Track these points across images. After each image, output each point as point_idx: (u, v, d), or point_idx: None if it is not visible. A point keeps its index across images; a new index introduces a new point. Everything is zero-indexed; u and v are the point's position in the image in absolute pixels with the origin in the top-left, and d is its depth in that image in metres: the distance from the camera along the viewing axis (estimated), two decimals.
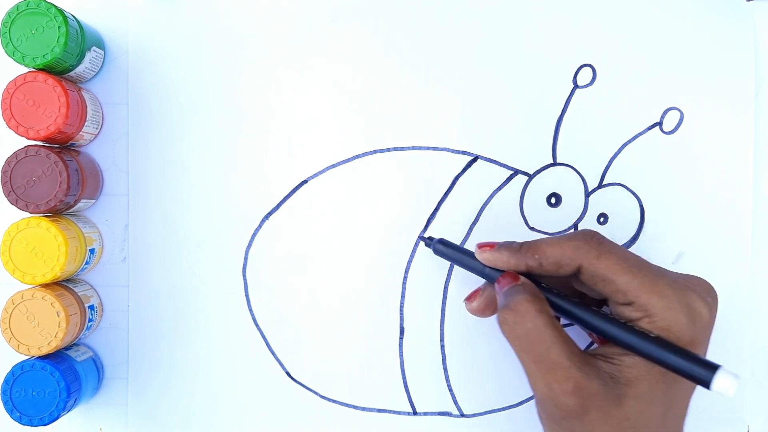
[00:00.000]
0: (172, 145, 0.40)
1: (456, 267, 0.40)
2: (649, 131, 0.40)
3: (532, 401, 0.37)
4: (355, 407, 0.40)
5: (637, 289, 0.30)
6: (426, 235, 0.40)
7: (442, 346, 0.40)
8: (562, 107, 0.40)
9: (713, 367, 0.28)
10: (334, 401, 0.40)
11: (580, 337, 0.39)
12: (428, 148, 0.40)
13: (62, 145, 0.38)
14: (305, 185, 0.40)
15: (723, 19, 0.39)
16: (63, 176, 0.36)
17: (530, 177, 0.40)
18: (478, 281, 0.36)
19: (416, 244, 0.40)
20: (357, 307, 0.40)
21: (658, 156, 0.40)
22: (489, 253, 0.34)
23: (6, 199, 0.36)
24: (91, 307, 0.39)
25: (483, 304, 0.35)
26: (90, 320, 0.38)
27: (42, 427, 0.36)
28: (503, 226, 0.40)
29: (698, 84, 0.40)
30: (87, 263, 0.38)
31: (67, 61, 0.36)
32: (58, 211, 0.37)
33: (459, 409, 0.40)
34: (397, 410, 0.40)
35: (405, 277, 0.40)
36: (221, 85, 0.40)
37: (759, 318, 0.40)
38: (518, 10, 0.40)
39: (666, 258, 0.40)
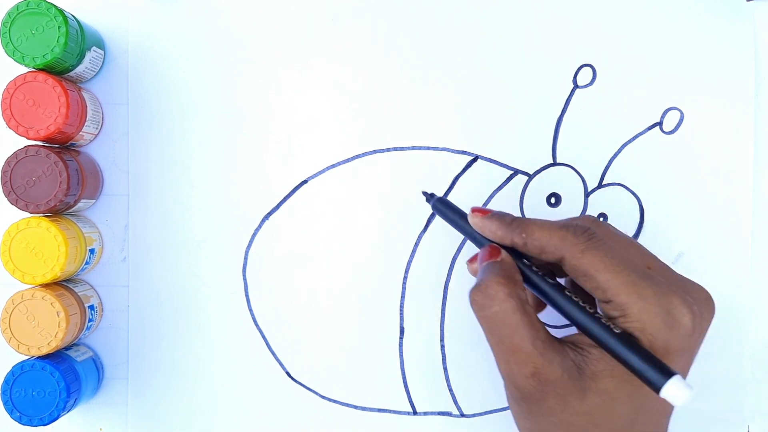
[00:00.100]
0: (172, 145, 0.40)
1: (456, 267, 0.40)
2: (649, 131, 0.40)
3: None
4: (355, 407, 0.40)
5: (617, 288, 0.29)
6: (425, 234, 0.40)
7: (442, 346, 0.40)
8: (562, 107, 0.40)
9: (669, 374, 0.27)
10: (334, 401, 0.40)
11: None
12: (428, 148, 0.40)
13: (62, 145, 0.38)
14: (305, 185, 0.40)
15: (723, 19, 0.39)
16: (63, 176, 0.36)
17: (530, 177, 0.40)
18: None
19: (416, 244, 0.40)
20: (357, 307, 0.40)
21: (658, 156, 0.40)
22: (480, 219, 0.33)
23: (6, 199, 0.36)
24: (91, 307, 0.39)
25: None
26: (90, 320, 0.38)
27: (42, 427, 0.36)
28: None
29: (698, 84, 0.40)
30: (87, 263, 0.38)
31: (67, 61, 0.36)
32: (58, 211, 0.37)
33: (459, 409, 0.40)
34: (397, 410, 0.40)
35: (405, 277, 0.40)
36: (221, 85, 0.40)
37: (759, 318, 0.40)
38: (518, 10, 0.40)
39: (666, 258, 0.40)
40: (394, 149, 0.40)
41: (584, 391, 0.29)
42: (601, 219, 0.40)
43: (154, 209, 0.40)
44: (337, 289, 0.40)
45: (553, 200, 0.40)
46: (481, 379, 0.40)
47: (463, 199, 0.40)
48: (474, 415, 0.40)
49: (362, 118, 0.40)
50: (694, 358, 0.31)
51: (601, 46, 0.40)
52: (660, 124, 0.40)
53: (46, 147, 0.36)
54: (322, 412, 0.40)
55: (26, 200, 0.36)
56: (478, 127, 0.40)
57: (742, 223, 0.40)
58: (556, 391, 0.29)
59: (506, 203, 0.40)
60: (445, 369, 0.40)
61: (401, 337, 0.40)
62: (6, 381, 0.36)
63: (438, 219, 0.40)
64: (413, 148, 0.40)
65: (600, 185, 0.40)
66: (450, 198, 0.40)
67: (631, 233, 0.40)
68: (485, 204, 0.40)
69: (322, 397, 0.40)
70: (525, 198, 0.40)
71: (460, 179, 0.40)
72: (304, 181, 0.40)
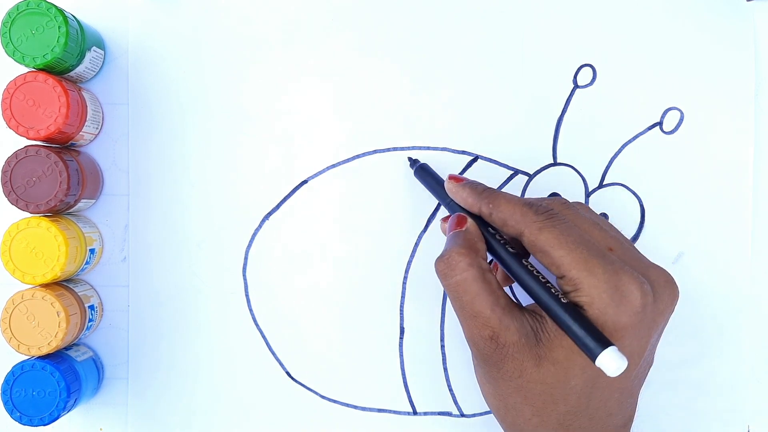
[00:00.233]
0: (172, 145, 0.40)
1: None
2: (649, 131, 0.40)
3: None
4: (355, 407, 0.40)
5: (569, 264, 0.30)
6: (425, 234, 0.40)
7: (442, 346, 0.40)
8: (562, 107, 0.40)
9: (606, 344, 0.28)
10: (334, 401, 0.40)
11: None
12: (428, 148, 0.40)
13: (62, 145, 0.38)
14: (305, 185, 0.40)
15: (723, 19, 0.39)
16: (63, 176, 0.36)
17: (530, 177, 0.40)
18: None
19: (416, 244, 0.40)
20: (357, 307, 0.40)
21: (658, 156, 0.40)
22: (454, 185, 0.35)
23: (6, 199, 0.36)
24: (91, 307, 0.39)
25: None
26: (90, 320, 0.38)
27: (42, 427, 0.36)
28: None
29: (698, 84, 0.40)
30: (87, 263, 0.38)
31: (67, 61, 0.36)
32: (58, 211, 0.37)
33: (459, 409, 0.40)
34: (397, 410, 0.40)
35: (405, 277, 0.40)
36: (221, 85, 0.40)
37: (759, 318, 0.40)
38: (518, 10, 0.40)
39: (666, 258, 0.40)
40: (394, 149, 0.40)
41: (540, 359, 0.30)
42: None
43: (154, 209, 0.40)
44: (337, 289, 0.40)
45: None
46: None
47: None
48: (474, 415, 0.40)
49: (362, 118, 0.40)
50: (654, 341, 0.32)
51: (601, 46, 0.40)
52: (660, 124, 0.40)
53: (46, 147, 0.36)
54: (322, 412, 0.40)
55: (26, 200, 0.36)
56: (478, 127, 0.40)
57: (742, 223, 0.40)
58: (513, 355, 0.31)
59: None
60: (445, 369, 0.40)
61: (401, 337, 0.40)
62: (6, 381, 0.36)
63: (438, 219, 0.40)
64: (413, 148, 0.40)
65: (600, 185, 0.40)
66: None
67: (631, 233, 0.40)
68: None
69: (322, 397, 0.40)
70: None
71: None
72: (304, 181, 0.40)
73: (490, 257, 0.34)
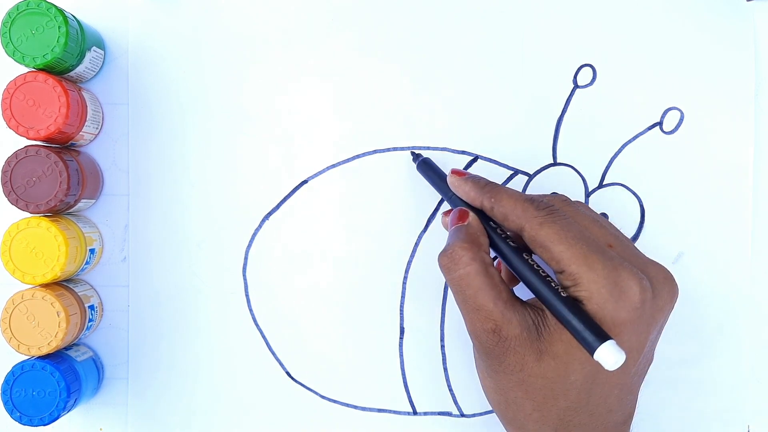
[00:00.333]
0: (172, 145, 0.40)
1: None
2: (649, 131, 0.40)
3: None
4: (355, 407, 0.40)
5: (569, 259, 0.30)
6: (425, 234, 0.40)
7: (442, 346, 0.40)
8: (562, 107, 0.40)
9: (605, 338, 0.28)
10: (334, 401, 0.40)
11: None
12: (428, 148, 0.40)
13: (62, 145, 0.38)
14: (305, 185, 0.40)
15: (723, 19, 0.39)
16: (63, 176, 0.36)
17: (530, 177, 0.40)
18: None
19: (416, 244, 0.40)
20: (357, 307, 0.40)
21: (658, 156, 0.40)
22: (456, 180, 0.35)
23: (6, 199, 0.36)
24: (91, 307, 0.39)
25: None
26: (90, 320, 0.38)
27: (42, 427, 0.36)
28: None
29: (698, 84, 0.40)
30: (87, 263, 0.38)
31: (67, 61, 0.36)
32: (58, 211, 0.37)
33: (459, 409, 0.40)
34: (397, 410, 0.40)
35: (405, 277, 0.40)
36: (221, 85, 0.40)
37: (759, 318, 0.40)
38: (518, 10, 0.40)
39: (666, 258, 0.40)
40: (394, 149, 0.40)
41: (540, 353, 0.31)
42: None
43: (154, 209, 0.40)
44: (337, 289, 0.40)
45: None
46: None
47: None
48: (474, 415, 0.40)
49: (363, 118, 0.40)
50: (653, 337, 0.32)
51: (601, 46, 0.40)
52: (660, 124, 0.40)
53: (46, 147, 0.36)
54: (322, 412, 0.40)
55: (26, 200, 0.36)
56: (478, 127, 0.40)
57: (742, 223, 0.40)
58: (515, 348, 0.31)
59: None
60: (445, 369, 0.40)
61: (401, 337, 0.40)
62: (6, 381, 0.36)
63: (438, 219, 0.40)
64: (413, 148, 0.40)
65: (600, 185, 0.40)
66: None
67: (631, 233, 0.40)
68: None
69: (322, 397, 0.40)
70: None
71: None
72: (304, 181, 0.40)
73: (493, 254, 0.34)
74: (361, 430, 0.40)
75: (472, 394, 0.40)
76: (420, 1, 0.40)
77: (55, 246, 0.36)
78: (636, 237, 0.40)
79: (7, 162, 0.35)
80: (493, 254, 0.34)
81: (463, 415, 0.40)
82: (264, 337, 0.40)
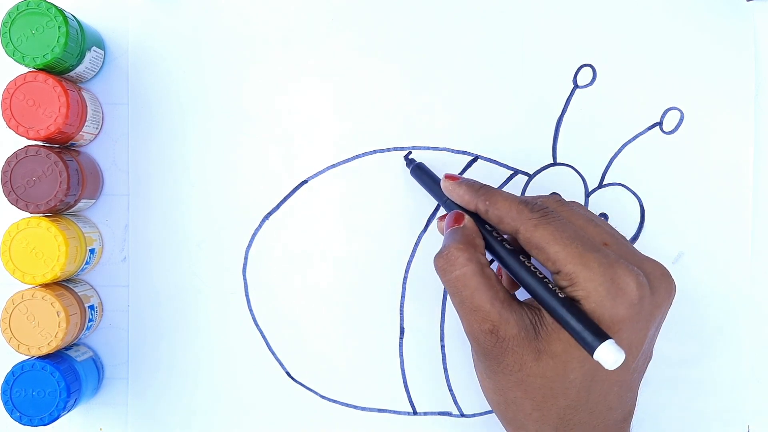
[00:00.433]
0: (172, 145, 0.40)
1: None
2: (649, 131, 0.40)
3: None
4: (355, 407, 0.40)
5: (565, 259, 0.30)
6: (425, 234, 0.40)
7: (442, 346, 0.40)
8: (562, 107, 0.40)
9: (603, 337, 0.28)
10: (334, 401, 0.40)
11: None
12: (428, 148, 0.40)
13: (62, 145, 0.38)
14: (305, 185, 0.40)
15: (723, 19, 0.39)
16: (63, 176, 0.36)
17: (530, 177, 0.40)
18: None
19: (416, 244, 0.40)
20: (357, 307, 0.40)
21: (658, 156, 0.40)
22: (450, 184, 0.35)
23: (6, 199, 0.36)
24: (91, 307, 0.39)
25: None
26: (90, 320, 0.38)
27: (42, 427, 0.36)
28: None
29: (698, 84, 0.40)
30: (87, 263, 0.38)
31: (67, 61, 0.36)
32: (58, 211, 0.37)
33: (459, 409, 0.40)
34: (397, 410, 0.40)
35: (405, 277, 0.40)
36: (221, 85, 0.40)
37: (759, 318, 0.40)
38: (518, 10, 0.40)
39: (666, 258, 0.40)
40: (394, 149, 0.40)
41: (539, 353, 0.31)
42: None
43: (154, 209, 0.40)
44: (337, 289, 0.40)
45: None
46: None
47: None
48: (474, 415, 0.40)
49: (362, 118, 0.40)
50: (652, 334, 0.32)
51: (601, 46, 0.40)
52: (660, 124, 0.40)
53: (46, 147, 0.36)
54: (322, 412, 0.40)
55: (26, 200, 0.36)
56: (478, 127, 0.40)
57: (742, 223, 0.40)
58: (513, 348, 0.31)
59: None
60: (445, 369, 0.40)
61: (401, 337, 0.40)
62: (6, 381, 0.36)
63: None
64: (413, 148, 0.40)
65: (600, 185, 0.40)
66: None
67: (631, 233, 0.40)
68: None
69: (322, 397, 0.40)
70: None
71: None
72: (304, 181, 0.40)
73: (489, 257, 0.34)
74: (361, 430, 0.40)
75: (472, 394, 0.40)
76: (420, 1, 0.40)
77: (55, 246, 0.36)
78: (636, 237, 0.40)
79: (7, 162, 0.35)
80: (490, 258, 0.34)
81: (463, 415, 0.40)
82: (264, 337, 0.40)
